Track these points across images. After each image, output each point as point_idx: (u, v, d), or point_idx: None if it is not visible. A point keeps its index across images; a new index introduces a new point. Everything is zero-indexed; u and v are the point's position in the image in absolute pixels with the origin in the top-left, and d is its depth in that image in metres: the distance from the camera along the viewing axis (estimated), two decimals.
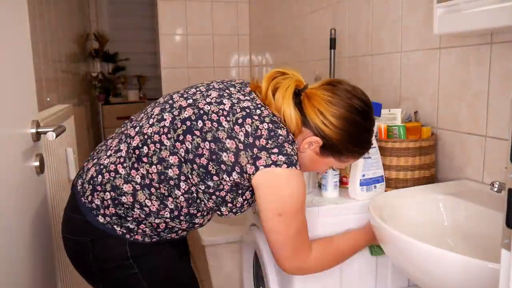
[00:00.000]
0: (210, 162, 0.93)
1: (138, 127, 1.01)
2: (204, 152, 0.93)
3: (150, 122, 1.00)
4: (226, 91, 1.02)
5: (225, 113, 0.95)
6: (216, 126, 0.94)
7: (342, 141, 0.98)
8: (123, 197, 0.96)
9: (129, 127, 1.05)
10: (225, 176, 0.94)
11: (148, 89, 4.49)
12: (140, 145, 0.97)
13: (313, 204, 1.15)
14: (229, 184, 0.95)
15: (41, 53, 1.93)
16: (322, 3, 2.11)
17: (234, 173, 0.93)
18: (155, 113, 1.01)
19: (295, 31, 2.48)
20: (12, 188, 0.97)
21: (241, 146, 0.92)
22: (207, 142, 0.93)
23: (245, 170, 0.93)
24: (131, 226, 0.99)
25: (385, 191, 1.23)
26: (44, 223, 1.20)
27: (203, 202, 0.99)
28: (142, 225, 0.99)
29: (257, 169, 0.92)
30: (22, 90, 1.09)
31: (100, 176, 0.99)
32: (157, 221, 0.99)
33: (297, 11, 2.44)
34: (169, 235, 1.04)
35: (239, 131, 0.93)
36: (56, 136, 1.12)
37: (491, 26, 1.02)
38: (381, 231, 0.96)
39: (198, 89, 1.04)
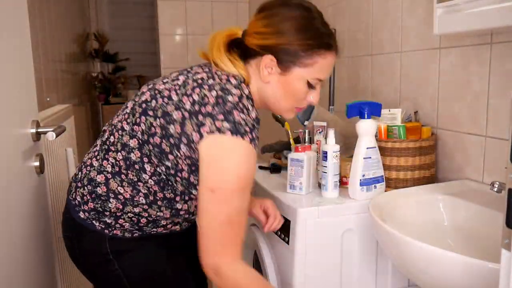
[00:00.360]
0: (163, 140, 0.93)
1: (110, 121, 1.04)
2: (157, 130, 0.93)
3: (118, 113, 1.03)
4: (189, 69, 1.03)
5: (177, 87, 0.95)
6: (166, 101, 0.94)
7: (289, 41, 0.94)
8: (98, 188, 0.97)
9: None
10: (175, 151, 0.92)
11: None
12: (108, 136, 1.00)
13: (313, 204, 1.15)
14: (185, 162, 0.93)
15: (41, 53, 1.93)
16: (322, 3, 2.11)
17: (182, 145, 0.91)
18: (124, 107, 1.04)
19: None
20: (12, 188, 0.97)
21: (186, 114, 0.90)
22: (157, 119, 0.93)
23: (191, 139, 0.90)
24: (109, 221, 0.98)
25: (385, 191, 1.23)
26: (44, 223, 1.20)
27: (174, 185, 0.97)
28: (120, 219, 0.98)
29: (201, 136, 0.88)
30: (22, 90, 1.09)
31: (80, 173, 1.02)
32: (136, 210, 0.97)
33: None
34: (154, 229, 1.02)
35: (187, 101, 0.92)
36: (56, 136, 1.12)
37: (491, 26, 1.02)
38: (381, 231, 0.96)
39: (166, 76, 1.05)
